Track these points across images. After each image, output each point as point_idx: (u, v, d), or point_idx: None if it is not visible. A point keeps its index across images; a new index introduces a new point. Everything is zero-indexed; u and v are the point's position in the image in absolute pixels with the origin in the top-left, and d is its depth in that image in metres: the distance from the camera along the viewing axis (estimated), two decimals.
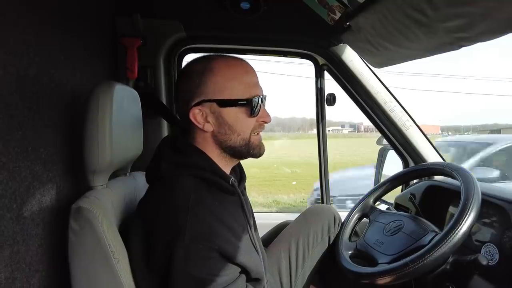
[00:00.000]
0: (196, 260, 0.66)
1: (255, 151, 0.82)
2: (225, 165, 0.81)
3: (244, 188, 0.92)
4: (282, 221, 1.34)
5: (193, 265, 0.66)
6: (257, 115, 0.79)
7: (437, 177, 1.29)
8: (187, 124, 0.79)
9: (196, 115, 0.77)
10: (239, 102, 0.77)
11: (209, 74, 0.76)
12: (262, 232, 1.29)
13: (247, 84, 0.78)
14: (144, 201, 0.79)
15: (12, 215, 0.63)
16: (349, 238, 1.14)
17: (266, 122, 0.83)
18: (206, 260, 0.67)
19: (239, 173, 0.92)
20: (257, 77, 0.82)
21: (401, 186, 1.39)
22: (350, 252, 1.07)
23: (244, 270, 0.75)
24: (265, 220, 1.48)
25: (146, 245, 0.70)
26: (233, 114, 0.77)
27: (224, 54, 0.83)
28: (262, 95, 0.80)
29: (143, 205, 0.78)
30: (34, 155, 0.71)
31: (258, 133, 0.82)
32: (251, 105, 0.77)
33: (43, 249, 0.73)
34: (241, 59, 0.81)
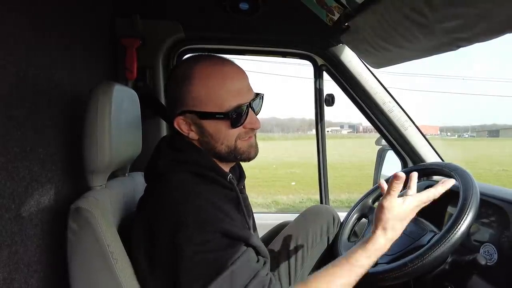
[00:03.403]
0: (202, 243, 0.65)
1: (243, 156, 0.80)
2: (221, 164, 0.81)
3: (244, 187, 0.91)
4: (281, 221, 1.34)
5: (200, 251, 0.64)
6: (241, 125, 0.76)
7: (436, 177, 1.29)
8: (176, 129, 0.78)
9: (181, 124, 0.77)
10: (217, 116, 0.74)
11: (188, 82, 0.74)
12: (261, 232, 1.29)
13: (228, 94, 0.74)
14: (143, 200, 0.79)
15: (11, 215, 0.63)
16: (348, 239, 1.14)
17: (254, 129, 0.79)
18: (211, 241, 0.66)
19: (238, 171, 0.92)
20: (244, 80, 0.77)
21: None
22: None
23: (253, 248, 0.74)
24: (265, 220, 1.48)
25: (148, 243, 0.70)
26: (214, 126, 0.75)
27: (211, 54, 0.80)
28: (250, 101, 0.76)
29: (143, 204, 0.78)
30: (33, 155, 0.71)
31: (247, 138, 0.79)
32: (231, 117, 0.74)
33: (42, 250, 0.73)
34: (226, 62, 0.77)
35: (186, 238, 0.65)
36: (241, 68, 0.78)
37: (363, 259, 0.74)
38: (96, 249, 0.70)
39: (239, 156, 0.79)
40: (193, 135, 0.78)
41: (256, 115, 0.80)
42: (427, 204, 0.79)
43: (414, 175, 0.82)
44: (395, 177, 0.73)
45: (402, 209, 0.75)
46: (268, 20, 1.32)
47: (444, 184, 0.80)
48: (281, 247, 1.13)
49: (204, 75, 0.74)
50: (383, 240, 0.74)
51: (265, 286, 0.67)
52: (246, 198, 0.88)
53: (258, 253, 0.75)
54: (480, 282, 0.90)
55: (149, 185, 0.80)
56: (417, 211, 0.77)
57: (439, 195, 0.79)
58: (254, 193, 7.49)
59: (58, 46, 0.84)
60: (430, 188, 0.79)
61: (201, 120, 0.75)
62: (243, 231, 0.72)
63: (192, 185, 0.72)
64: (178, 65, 0.82)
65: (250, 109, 0.76)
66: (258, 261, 0.72)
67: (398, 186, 0.74)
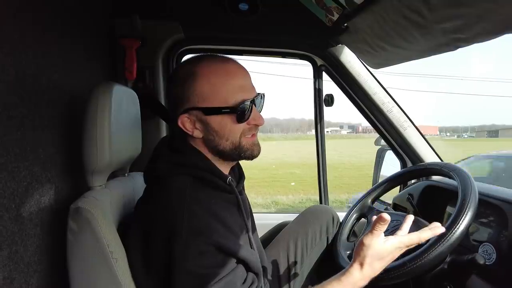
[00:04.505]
0: (195, 255, 0.66)
1: (247, 153, 0.79)
2: (222, 165, 0.81)
3: (243, 188, 0.91)
4: (281, 221, 1.34)
5: (193, 260, 0.66)
6: (245, 121, 0.76)
7: (435, 177, 1.29)
8: (179, 129, 0.78)
9: (185, 122, 0.76)
10: (223, 110, 0.74)
11: (192, 80, 0.74)
12: (261, 232, 1.29)
13: (232, 89, 0.74)
14: (142, 201, 0.79)
15: (11, 215, 0.63)
16: (347, 238, 1.14)
17: (258, 125, 0.80)
18: (204, 254, 0.67)
19: (237, 172, 0.92)
20: (247, 78, 0.78)
21: (399, 186, 1.39)
22: (348, 252, 1.07)
23: (244, 263, 0.74)
24: (264, 220, 1.48)
25: (144, 244, 0.71)
26: (219, 121, 0.75)
27: (213, 54, 0.80)
28: (253, 97, 0.77)
29: (141, 205, 0.78)
30: (33, 156, 0.71)
31: (251, 135, 0.79)
32: (237, 112, 0.74)
33: (42, 250, 0.73)
34: (229, 60, 0.78)
35: (179, 247, 0.65)
36: (243, 67, 0.79)
37: None
38: (96, 249, 0.70)
39: (243, 154, 0.79)
40: (197, 133, 0.77)
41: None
42: (409, 247, 0.78)
43: (410, 218, 0.81)
44: (380, 218, 0.72)
45: (382, 249, 0.74)
46: (267, 20, 1.33)
47: (432, 230, 0.78)
48: (280, 247, 1.13)
49: (208, 72, 0.75)
50: (358, 275, 0.74)
51: None
52: (245, 199, 0.89)
53: (248, 268, 0.75)
54: (478, 282, 0.90)
55: (148, 186, 0.80)
56: (399, 253, 0.76)
57: (424, 241, 0.78)
58: (253, 194, 7.50)
59: (58, 46, 0.84)
60: (416, 232, 0.78)
61: (206, 116, 0.75)
62: (236, 245, 0.73)
63: (190, 190, 0.72)
64: (180, 65, 0.82)
65: (253, 105, 0.77)
66: (245, 281, 0.73)
67: (382, 227, 0.73)
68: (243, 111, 0.75)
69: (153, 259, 0.70)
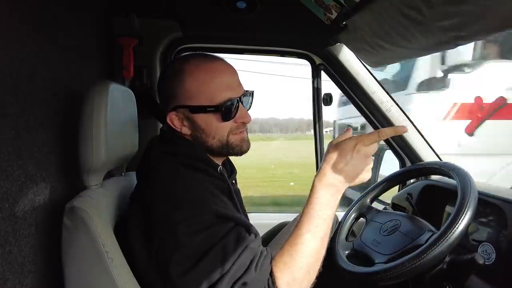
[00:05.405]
0: (195, 225, 0.66)
1: (235, 150, 0.81)
2: (213, 159, 0.81)
3: (235, 181, 0.92)
4: (281, 221, 1.33)
5: (194, 231, 0.65)
6: (231, 119, 0.77)
7: (434, 177, 1.28)
8: (168, 125, 0.80)
9: (173, 119, 0.78)
10: (208, 109, 0.75)
11: (180, 78, 0.76)
12: (261, 232, 1.27)
13: (218, 87, 0.75)
14: (137, 192, 0.78)
15: (4, 215, 0.62)
16: (346, 238, 1.13)
17: (245, 123, 0.81)
18: (204, 222, 0.66)
19: (229, 167, 0.92)
20: (234, 76, 0.79)
21: (398, 186, 1.38)
22: (347, 252, 1.06)
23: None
24: (264, 220, 1.47)
25: (144, 226, 0.69)
26: (205, 120, 0.77)
27: (203, 53, 0.82)
28: (240, 96, 0.77)
29: (137, 196, 0.78)
30: (28, 155, 0.71)
31: (239, 132, 0.80)
32: (222, 110, 0.75)
33: (36, 250, 0.73)
34: (216, 58, 0.79)
35: (181, 218, 0.65)
36: (231, 65, 0.80)
37: (316, 201, 0.74)
38: (91, 249, 0.69)
39: (231, 151, 0.81)
40: (185, 130, 0.79)
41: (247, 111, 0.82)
42: (368, 144, 0.71)
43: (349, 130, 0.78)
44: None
45: (340, 143, 0.71)
46: (265, 19, 1.32)
47: (395, 127, 0.75)
48: (279, 247, 1.12)
49: (195, 70, 0.76)
50: (327, 169, 0.74)
51: (256, 256, 0.67)
52: (238, 192, 0.89)
53: (249, 231, 0.75)
54: (478, 282, 0.90)
55: (141, 177, 0.80)
56: (363, 159, 0.71)
57: (385, 136, 0.73)
58: (252, 193, 7.49)
59: (54, 45, 0.83)
60: (376, 130, 0.73)
61: (193, 114, 0.77)
62: (234, 213, 0.73)
63: (184, 171, 0.73)
64: (169, 63, 0.84)
65: (240, 103, 0.78)
66: (249, 235, 0.72)
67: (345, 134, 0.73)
68: (229, 109, 0.76)
69: (156, 236, 0.67)
